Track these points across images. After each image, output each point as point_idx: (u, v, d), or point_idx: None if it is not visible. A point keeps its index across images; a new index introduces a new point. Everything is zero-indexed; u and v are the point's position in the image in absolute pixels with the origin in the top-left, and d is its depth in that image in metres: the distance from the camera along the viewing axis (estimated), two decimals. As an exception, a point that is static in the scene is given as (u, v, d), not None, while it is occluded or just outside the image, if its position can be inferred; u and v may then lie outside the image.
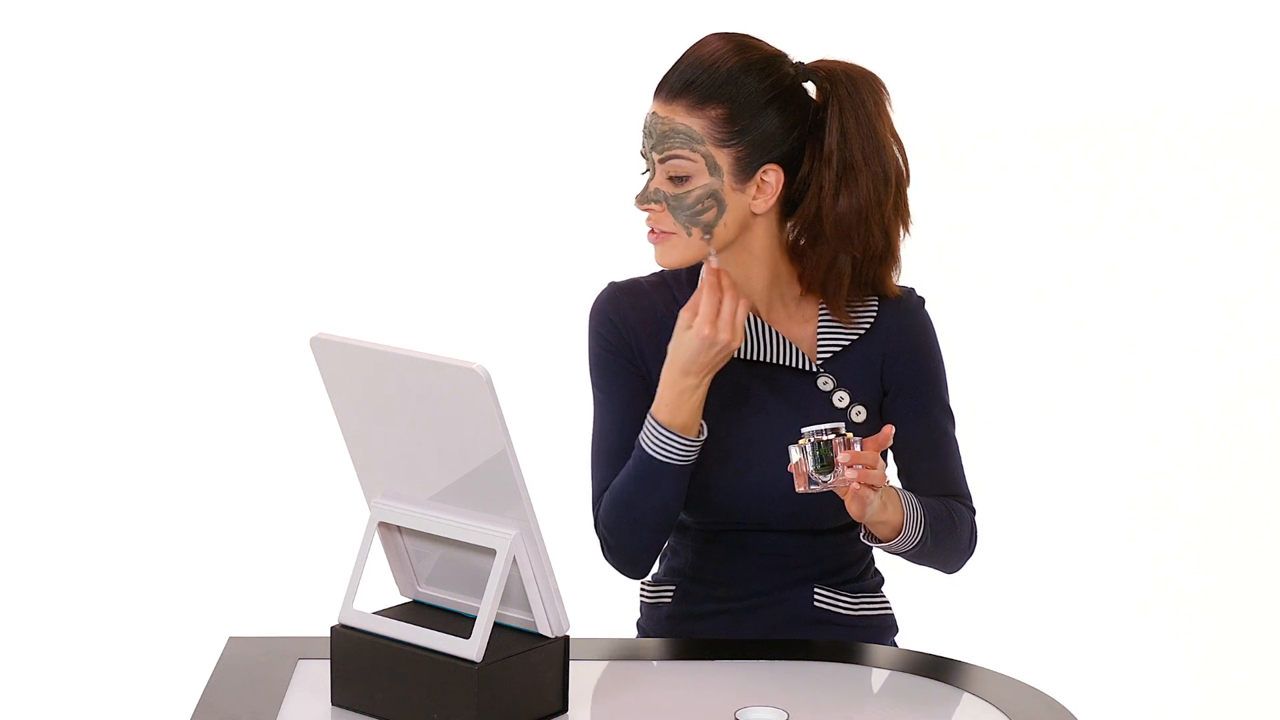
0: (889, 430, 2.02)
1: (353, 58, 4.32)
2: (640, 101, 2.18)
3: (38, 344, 4.26)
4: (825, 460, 1.97)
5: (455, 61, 4.32)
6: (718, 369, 2.10)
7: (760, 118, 2.10)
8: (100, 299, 4.29)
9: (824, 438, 1.97)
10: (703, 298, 2.08)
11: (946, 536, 2.19)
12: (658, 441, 2.11)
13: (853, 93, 2.14)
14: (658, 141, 2.10)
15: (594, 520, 2.22)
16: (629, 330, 2.22)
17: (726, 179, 2.10)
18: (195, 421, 4.23)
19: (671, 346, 2.10)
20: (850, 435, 1.98)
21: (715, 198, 2.10)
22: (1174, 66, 4.28)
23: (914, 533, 2.13)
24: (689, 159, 2.09)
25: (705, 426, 2.15)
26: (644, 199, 2.12)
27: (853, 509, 2.03)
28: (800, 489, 1.99)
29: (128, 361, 4.26)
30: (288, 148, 4.32)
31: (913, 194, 2.19)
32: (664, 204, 2.11)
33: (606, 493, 2.19)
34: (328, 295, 4.27)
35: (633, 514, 2.15)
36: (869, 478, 1.99)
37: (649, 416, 2.12)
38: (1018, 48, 4.29)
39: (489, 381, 1.75)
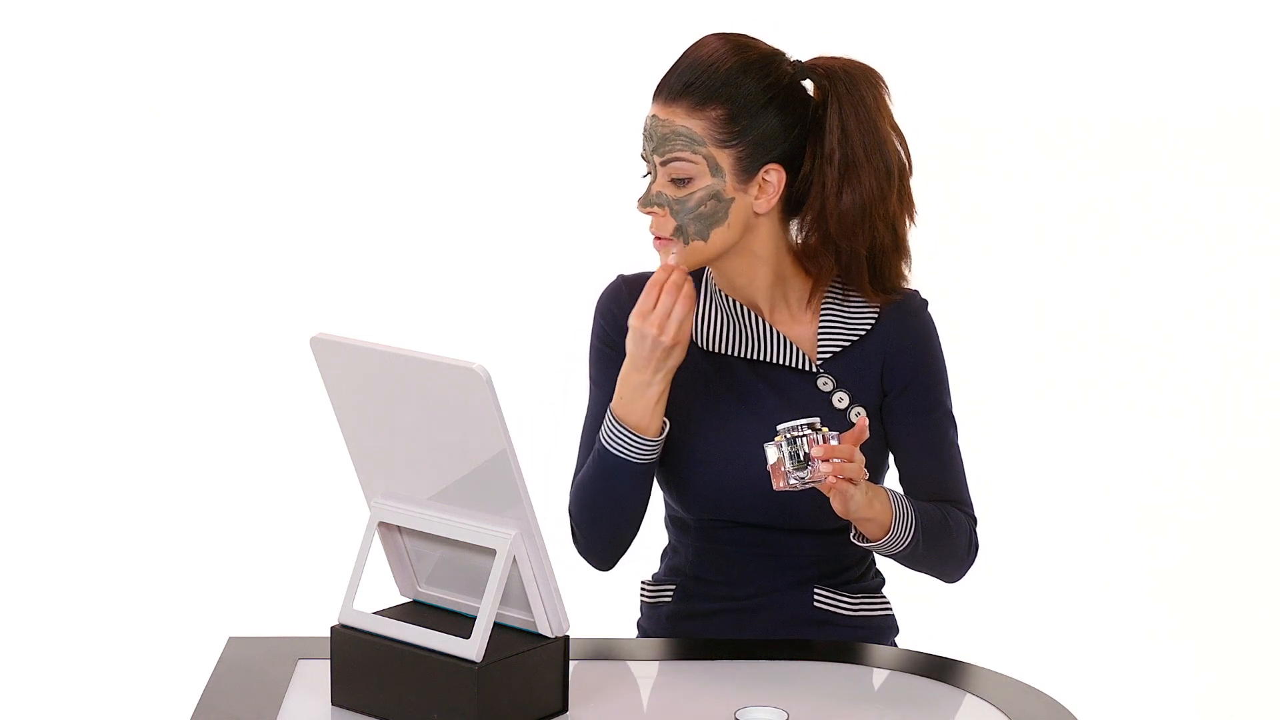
0: (864, 423, 2.02)
1: (352, 59, 4.32)
2: (639, 101, 2.18)
3: (38, 345, 4.26)
4: (800, 456, 1.96)
5: (454, 62, 4.32)
6: (668, 369, 2.09)
7: (760, 117, 2.10)
8: (101, 300, 4.28)
9: (798, 434, 1.96)
10: (642, 292, 2.08)
11: (941, 541, 2.17)
12: (613, 437, 2.13)
13: (851, 89, 2.14)
14: (659, 144, 2.10)
15: (568, 506, 2.24)
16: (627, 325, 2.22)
17: (729, 180, 2.10)
18: (195, 421, 4.23)
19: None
20: (826, 430, 1.97)
21: (718, 199, 2.10)
22: (1176, 69, 4.28)
23: (904, 533, 2.11)
24: (691, 161, 2.09)
25: (668, 424, 2.15)
26: (646, 202, 2.12)
27: (836, 504, 2.02)
28: (778, 487, 1.98)
29: (128, 362, 4.25)
30: (287, 148, 4.32)
31: (916, 196, 2.19)
32: (666, 207, 2.11)
33: (574, 482, 2.21)
34: (328, 295, 4.27)
35: (594, 508, 2.17)
36: (845, 471, 1.98)
37: (608, 411, 2.13)
38: (1020, 49, 4.29)
39: (489, 381, 1.75)
